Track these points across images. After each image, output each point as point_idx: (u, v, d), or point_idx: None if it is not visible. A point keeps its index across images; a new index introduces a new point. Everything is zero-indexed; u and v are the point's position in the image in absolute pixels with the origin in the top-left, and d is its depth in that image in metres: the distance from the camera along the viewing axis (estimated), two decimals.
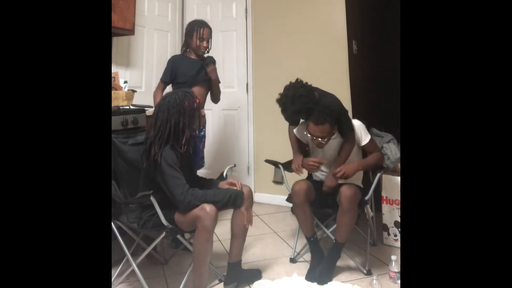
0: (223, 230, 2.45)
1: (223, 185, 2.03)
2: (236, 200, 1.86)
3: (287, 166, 2.42)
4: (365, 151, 2.28)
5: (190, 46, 2.63)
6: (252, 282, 2.07)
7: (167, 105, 1.84)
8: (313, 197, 2.19)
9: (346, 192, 2.01)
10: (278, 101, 2.08)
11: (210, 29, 2.65)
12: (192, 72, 2.59)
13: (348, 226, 2.05)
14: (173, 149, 1.82)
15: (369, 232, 2.36)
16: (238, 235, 1.98)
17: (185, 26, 3.67)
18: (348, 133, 2.14)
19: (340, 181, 2.15)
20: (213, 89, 2.69)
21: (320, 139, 2.05)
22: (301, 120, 2.24)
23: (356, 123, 2.21)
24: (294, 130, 2.35)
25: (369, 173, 2.39)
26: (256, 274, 2.14)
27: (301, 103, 1.99)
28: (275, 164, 2.44)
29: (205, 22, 2.66)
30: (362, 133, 2.22)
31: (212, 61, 2.58)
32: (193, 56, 2.65)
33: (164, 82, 2.64)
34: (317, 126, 2.00)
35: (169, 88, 2.68)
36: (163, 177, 1.78)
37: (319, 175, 2.34)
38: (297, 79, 2.13)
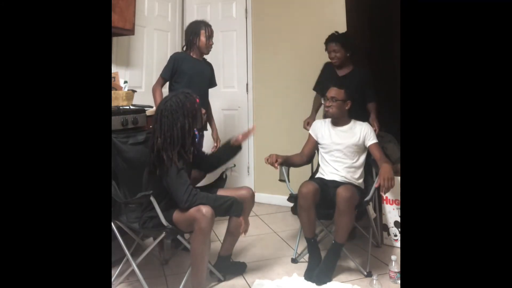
0: (223, 231, 2.44)
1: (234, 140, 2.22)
2: (231, 208, 1.87)
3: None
4: (370, 152, 2.31)
5: (197, 44, 2.61)
6: (239, 274, 2.17)
7: (170, 110, 1.83)
8: (318, 200, 2.17)
9: (342, 193, 2.00)
10: None
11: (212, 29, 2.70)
12: (193, 72, 2.59)
13: (346, 227, 2.05)
14: (180, 153, 1.83)
15: (371, 233, 2.34)
16: (234, 233, 2.03)
17: (185, 26, 3.67)
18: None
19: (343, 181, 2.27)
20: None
21: (330, 101, 2.29)
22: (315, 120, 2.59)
23: (367, 124, 2.37)
24: (310, 130, 2.52)
25: (373, 173, 2.39)
26: (242, 266, 2.22)
27: None
28: None
29: (208, 22, 2.68)
30: (370, 133, 2.30)
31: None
32: (195, 56, 2.65)
33: (164, 78, 2.62)
34: (333, 89, 2.32)
35: (166, 85, 2.69)
36: (169, 178, 1.79)
37: (328, 173, 2.33)
38: None
